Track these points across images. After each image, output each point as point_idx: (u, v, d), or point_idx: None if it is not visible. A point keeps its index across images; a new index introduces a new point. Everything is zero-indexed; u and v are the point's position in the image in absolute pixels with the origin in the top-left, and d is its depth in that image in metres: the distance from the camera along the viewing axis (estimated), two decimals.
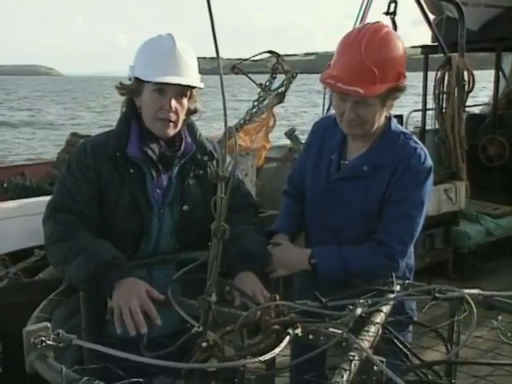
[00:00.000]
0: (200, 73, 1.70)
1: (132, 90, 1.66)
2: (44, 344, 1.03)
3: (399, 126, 1.78)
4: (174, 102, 1.61)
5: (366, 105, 1.61)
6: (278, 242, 1.77)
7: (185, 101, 1.66)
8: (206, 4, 1.02)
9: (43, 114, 31.95)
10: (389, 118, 1.74)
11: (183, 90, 1.63)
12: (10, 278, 2.83)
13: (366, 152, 1.73)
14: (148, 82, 1.60)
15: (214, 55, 1.08)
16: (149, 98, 1.63)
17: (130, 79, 1.66)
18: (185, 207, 1.69)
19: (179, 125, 1.68)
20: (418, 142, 1.74)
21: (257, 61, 4.36)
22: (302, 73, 4.75)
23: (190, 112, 1.73)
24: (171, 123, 1.64)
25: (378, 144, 1.72)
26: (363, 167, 1.71)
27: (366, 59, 1.54)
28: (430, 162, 1.71)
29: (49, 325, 1.07)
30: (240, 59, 4.36)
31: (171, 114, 1.62)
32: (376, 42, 1.56)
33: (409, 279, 1.66)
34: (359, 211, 1.72)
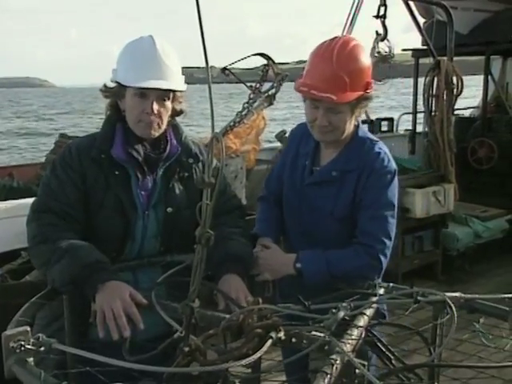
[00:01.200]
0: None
1: (115, 93, 1.66)
2: (23, 348, 1.02)
3: (367, 133, 1.87)
4: (156, 106, 1.61)
5: (336, 112, 1.69)
6: (267, 245, 1.79)
7: (168, 103, 1.65)
8: (195, 13, 1.02)
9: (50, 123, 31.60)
10: (357, 126, 1.81)
11: (165, 93, 1.63)
12: None
13: (335, 158, 1.81)
14: (129, 86, 1.60)
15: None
16: (131, 101, 1.62)
17: (112, 82, 1.66)
18: (169, 209, 1.68)
19: (163, 126, 1.67)
20: (383, 147, 1.82)
21: (250, 69, 4.37)
22: (293, 81, 4.77)
23: (175, 113, 1.72)
24: (154, 124, 1.63)
25: (345, 150, 1.80)
26: (332, 173, 1.79)
27: (337, 68, 1.64)
28: (393, 165, 1.78)
29: (28, 329, 1.05)
30: (232, 63, 4.35)
31: (153, 117, 1.62)
32: (346, 53, 1.66)
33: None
34: (330, 215, 1.77)
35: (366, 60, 1.71)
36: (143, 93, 1.60)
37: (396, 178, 1.78)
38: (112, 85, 1.67)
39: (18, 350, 1.01)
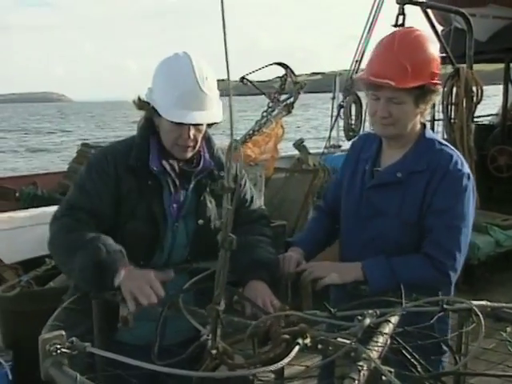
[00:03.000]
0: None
1: (150, 110, 1.65)
2: (59, 351, 1.05)
3: (433, 134, 1.78)
4: (192, 131, 1.62)
5: (397, 102, 1.61)
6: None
7: (204, 126, 1.67)
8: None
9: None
10: (423, 126, 1.74)
11: None
12: (22, 286, 2.87)
13: (401, 159, 1.72)
14: None
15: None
16: (166, 126, 1.63)
17: (149, 101, 1.64)
18: (200, 221, 1.71)
19: (197, 146, 1.70)
20: (454, 149, 1.74)
21: (264, 81, 4.41)
22: (309, 92, 4.81)
23: (208, 125, 1.72)
24: (190, 148, 1.66)
25: (412, 151, 1.71)
26: (397, 174, 1.70)
27: (398, 55, 1.59)
28: (467, 169, 1.69)
29: (63, 333, 1.09)
30: (250, 73, 4.39)
31: (189, 141, 1.64)
32: (408, 41, 1.63)
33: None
34: (396, 219, 1.68)
35: (431, 49, 1.65)
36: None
37: (472, 184, 1.67)
38: (146, 99, 1.66)
39: (54, 353, 1.05)
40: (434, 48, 1.68)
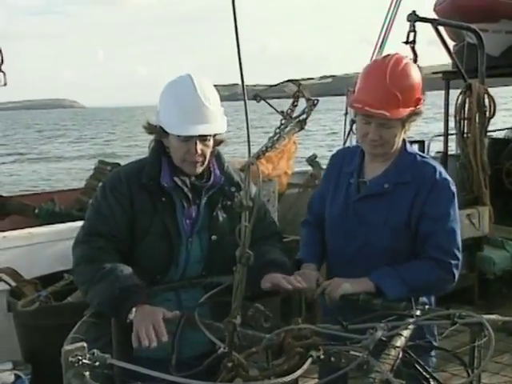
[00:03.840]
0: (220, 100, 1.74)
1: (159, 133, 1.74)
2: (81, 363, 1.09)
3: (413, 148, 1.93)
4: (199, 146, 1.68)
5: (388, 127, 1.76)
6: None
7: (210, 141, 1.72)
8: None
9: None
10: (404, 141, 1.87)
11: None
12: (40, 301, 2.92)
13: (386, 171, 1.85)
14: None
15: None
16: (175, 143, 1.70)
17: (156, 124, 1.73)
18: (213, 237, 1.75)
19: (206, 162, 1.75)
20: (433, 160, 1.88)
21: (274, 85, 4.46)
22: (320, 96, 4.85)
23: (216, 143, 1.79)
24: (199, 163, 1.71)
25: (396, 163, 1.85)
26: (384, 185, 1.82)
27: (390, 86, 1.71)
28: (449, 176, 1.84)
29: (85, 345, 1.13)
30: (263, 90, 4.45)
31: (198, 157, 1.69)
32: (399, 70, 1.74)
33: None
34: (384, 227, 1.79)
35: (417, 77, 1.77)
36: (186, 137, 1.67)
37: (455, 188, 1.83)
38: (154, 123, 1.74)
39: (76, 365, 1.09)
40: (418, 74, 1.79)
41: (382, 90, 1.71)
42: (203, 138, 1.69)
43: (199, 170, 1.74)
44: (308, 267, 1.84)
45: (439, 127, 6.84)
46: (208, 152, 1.73)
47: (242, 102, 1.14)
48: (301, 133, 4.11)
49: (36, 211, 4.28)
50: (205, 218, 1.76)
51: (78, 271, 1.68)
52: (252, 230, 1.73)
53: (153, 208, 1.71)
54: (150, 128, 1.76)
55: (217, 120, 1.70)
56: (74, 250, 1.71)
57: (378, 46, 4.02)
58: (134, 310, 1.51)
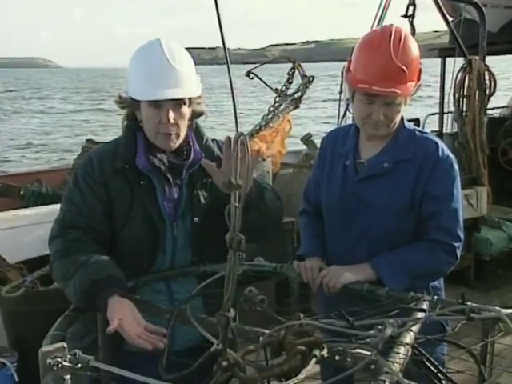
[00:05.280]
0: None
1: (130, 104, 1.61)
2: (60, 366, 0.99)
3: (410, 124, 1.83)
4: (172, 114, 1.55)
5: (393, 105, 1.65)
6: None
7: (184, 109, 1.58)
8: None
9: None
10: (401, 117, 1.77)
11: (180, 100, 1.56)
12: (26, 286, 2.82)
13: (384, 150, 1.75)
14: None
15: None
16: (146, 112, 1.57)
17: (126, 93, 1.61)
18: (195, 219, 1.62)
19: (182, 135, 1.61)
20: (434, 136, 1.79)
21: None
22: (302, 62, 4.76)
23: (195, 115, 1.66)
24: (173, 135, 1.58)
25: (394, 141, 1.75)
26: (384, 164, 1.73)
27: (397, 61, 1.60)
28: (451, 153, 1.76)
29: (65, 345, 1.03)
30: (255, 67, 4.30)
31: (171, 127, 1.56)
32: (402, 43, 1.63)
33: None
34: (387, 209, 1.71)
35: (417, 49, 1.69)
36: (157, 103, 1.54)
37: (457, 167, 1.77)
38: (126, 95, 1.61)
39: (55, 367, 0.99)
40: (416, 45, 1.71)
41: (389, 66, 1.60)
42: (176, 106, 1.55)
43: (175, 144, 1.60)
44: (312, 259, 1.76)
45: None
46: (183, 123, 1.59)
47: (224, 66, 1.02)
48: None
49: (21, 192, 4.14)
50: (187, 200, 1.63)
51: (54, 267, 1.56)
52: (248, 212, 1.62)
53: (131, 193, 1.59)
54: (122, 101, 1.63)
55: (189, 84, 1.57)
56: (50, 245, 1.59)
57: (378, 18, 3.87)
58: (109, 302, 1.38)
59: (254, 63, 4.10)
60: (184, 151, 1.64)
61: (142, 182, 1.59)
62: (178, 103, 1.56)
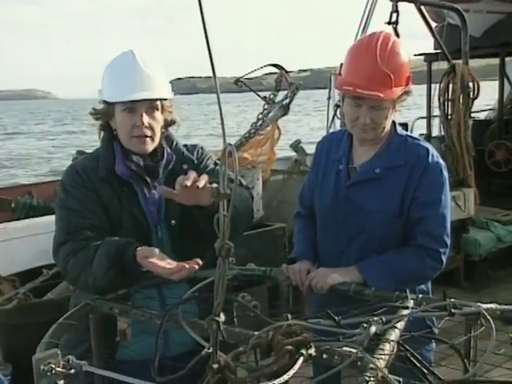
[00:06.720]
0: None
1: (105, 113, 1.66)
2: (54, 371, 1.01)
3: (403, 130, 1.85)
4: (145, 118, 1.60)
5: (380, 109, 1.68)
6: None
7: (157, 114, 1.64)
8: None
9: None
10: (393, 122, 1.79)
11: (153, 104, 1.62)
12: (19, 298, 2.82)
13: (376, 155, 1.77)
14: (116, 102, 1.61)
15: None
16: (120, 117, 1.62)
17: (100, 103, 1.66)
18: (172, 222, 1.66)
19: (156, 139, 1.67)
20: (426, 142, 1.81)
21: (251, 79, 4.38)
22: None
23: (167, 123, 1.72)
24: (147, 138, 1.63)
25: (386, 147, 1.77)
26: (375, 170, 1.75)
27: (382, 65, 1.63)
28: (441, 159, 1.78)
29: (58, 351, 1.05)
30: (245, 74, 4.35)
31: (145, 129, 1.61)
32: (388, 49, 1.66)
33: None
34: (379, 214, 1.73)
35: (405, 54, 1.71)
36: (131, 107, 1.60)
37: (447, 173, 1.78)
38: (100, 106, 1.67)
39: (48, 373, 1.01)
40: (406, 52, 1.73)
41: (374, 70, 1.63)
42: (150, 110, 1.62)
43: (148, 147, 1.65)
44: (301, 263, 1.78)
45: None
46: (157, 126, 1.65)
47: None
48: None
49: (12, 205, 4.14)
50: (167, 202, 1.67)
51: (70, 267, 1.56)
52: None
53: (118, 200, 1.63)
54: (97, 112, 1.68)
55: (161, 88, 1.63)
56: (57, 254, 1.60)
57: (362, 26, 3.94)
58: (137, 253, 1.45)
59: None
60: (158, 154, 1.69)
61: (124, 189, 1.64)
62: (151, 107, 1.62)
